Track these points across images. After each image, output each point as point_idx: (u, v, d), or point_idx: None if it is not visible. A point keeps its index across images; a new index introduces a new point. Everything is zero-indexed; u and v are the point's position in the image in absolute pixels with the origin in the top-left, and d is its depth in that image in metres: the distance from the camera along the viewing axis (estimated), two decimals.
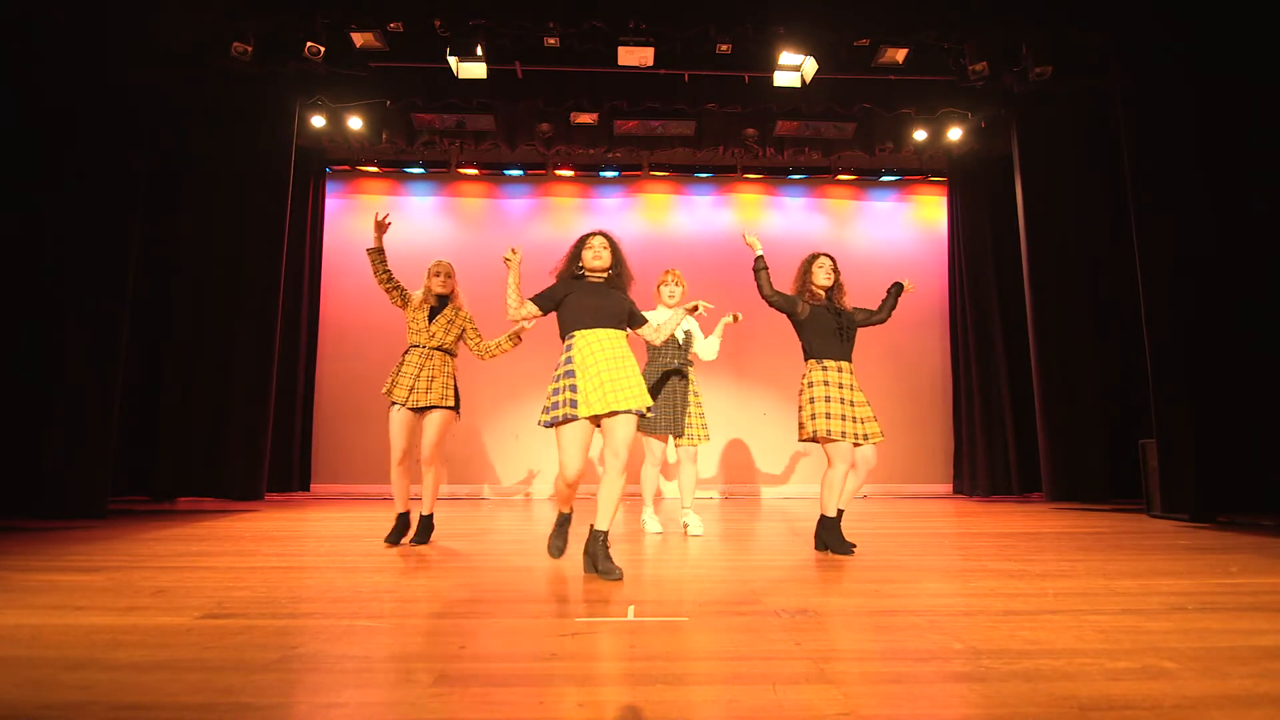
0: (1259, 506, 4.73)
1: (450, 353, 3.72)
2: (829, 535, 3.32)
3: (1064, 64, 5.79)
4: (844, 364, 3.35)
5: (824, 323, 3.38)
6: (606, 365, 2.68)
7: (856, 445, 3.35)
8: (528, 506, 6.33)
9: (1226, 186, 5.03)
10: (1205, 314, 4.95)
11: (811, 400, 3.29)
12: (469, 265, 7.77)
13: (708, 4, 5.61)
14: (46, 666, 1.55)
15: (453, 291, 3.79)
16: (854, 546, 3.34)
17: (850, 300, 3.56)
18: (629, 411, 2.67)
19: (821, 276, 3.43)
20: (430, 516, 3.67)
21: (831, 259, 3.50)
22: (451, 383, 3.67)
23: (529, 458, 7.61)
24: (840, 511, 3.38)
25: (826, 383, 3.29)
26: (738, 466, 7.69)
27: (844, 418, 3.24)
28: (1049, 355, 6.38)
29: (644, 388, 2.73)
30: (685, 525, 4.11)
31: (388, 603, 2.27)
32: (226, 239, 6.37)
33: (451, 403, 3.64)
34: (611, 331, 2.77)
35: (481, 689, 1.42)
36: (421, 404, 3.55)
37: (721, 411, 7.29)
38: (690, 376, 4.22)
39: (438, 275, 3.73)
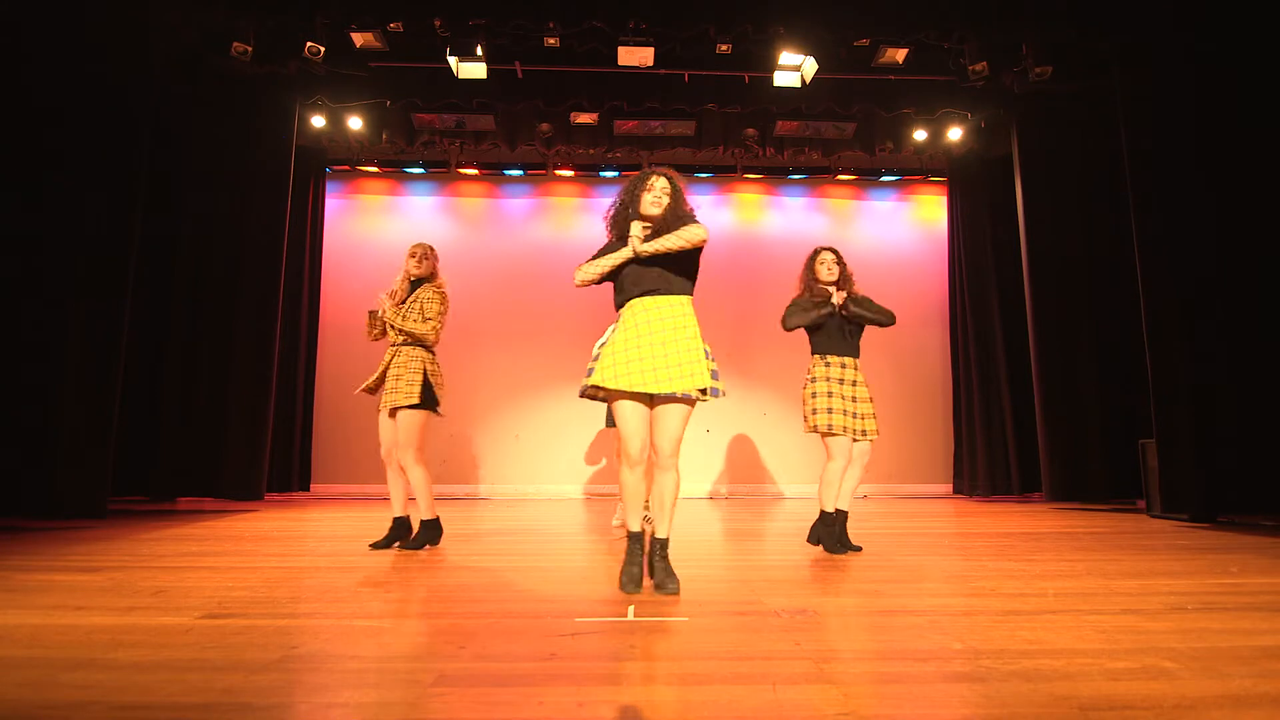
0: (1259, 506, 4.72)
1: (419, 343, 3.44)
2: (824, 531, 3.35)
3: (1064, 64, 5.79)
4: (847, 360, 3.38)
5: (828, 319, 3.40)
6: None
7: (855, 441, 3.37)
8: (528, 506, 6.33)
9: (1227, 185, 5.03)
10: (1205, 313, 4.95)
11: (814, 395, 3.34)
12: (469, 265, 7.80)
13: (708, 4, 5.61)
14: (46, 666, 1.55)
15: (432, 272, 3.55)
16: (858, 549, 3.36)
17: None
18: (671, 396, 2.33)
19: (824, 273, 3.45)
20: (404, 519, 3.49)
21: (834, 253, 3.50)
22: (417, 377, 3.36)
23: (529, 457, 7.61)
24: (843, 513, 3.38)
25: (828, 379, 3.34)
26: (739, 465, 7.70)
27: (845, 413, 3.29)
28: (1049, 355, 6.37)
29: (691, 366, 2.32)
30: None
31: (388, 603, 2.27)
32: (226, 239, 6.37)
33: (415, 400, 3.33)
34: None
35: (481, 689, 1.42)
36: (388, 405, 3.38)
37: (723, 410, 7.30)
38: None
39: (413, 256, 3.52)
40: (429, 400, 3.36)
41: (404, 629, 1.94)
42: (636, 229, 2.43)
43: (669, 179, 2.50)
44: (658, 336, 2.34)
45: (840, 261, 3.49)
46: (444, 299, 3.49)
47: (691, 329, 2.38)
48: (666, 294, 2.40)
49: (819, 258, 3.49)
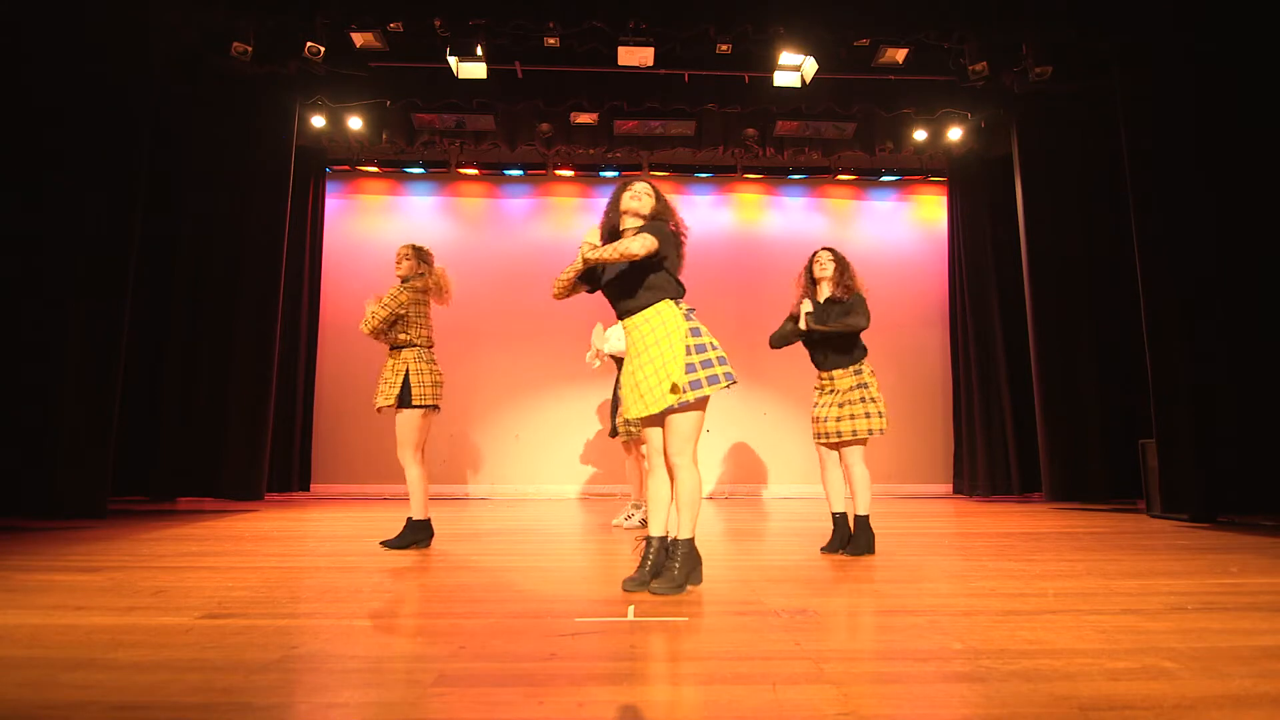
0: (1259, 506, 4.72)
1: (395, 345, 3.49)
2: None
3: (1064, 64, 5.78)
4: (820, 373, 3.47)
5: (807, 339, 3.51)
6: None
7: (831, 448, 3.41)
8: (527, 506, 6.33)
9: (1227, 185, 5.02)
10: (1205, 313, 4.95)
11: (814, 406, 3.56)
12: (469, 265, 7.79)
13: (708, 4, 5.60)
14: (46, 666, 1.55)
15: (411, 273, 3.56)
16: (856, 554, 3.29)
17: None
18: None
19: (818, 270, 3.50)
20: (411, 520, 3.47)
21: (831, 251, 3.51)
22: (398, 378, 3.41)
23: (529, 457, 7.61)
24: (860, 517, 3.32)
25: (815, 390, 3.54)
26: (739, 466, 7.69)
27: (823, 419, 3.40)
28: (1049, 355, 6.37)
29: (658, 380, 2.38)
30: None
31: (388, 603, 2.27)
32: (226, 239, 6.37)
33: (390, 401, 3.40)
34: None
35: (481, 689, 1.42)
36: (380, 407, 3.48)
37: (723, 410, 7.29)
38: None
39: (395, 258, 3.59)
40: (405, 399, 3.40)
41: (404, 629, 1.94)
42: (589, 235, 2.51)
43: (649, 184, 2.61)
44: (643, 357, 2.44)
45: (836, 259, 3.49)
46: (395, 297, 3.46)
47: (672, 337, 2.41)
48: (638, 310, 2.46)
49: (815, 257, 3.53)
